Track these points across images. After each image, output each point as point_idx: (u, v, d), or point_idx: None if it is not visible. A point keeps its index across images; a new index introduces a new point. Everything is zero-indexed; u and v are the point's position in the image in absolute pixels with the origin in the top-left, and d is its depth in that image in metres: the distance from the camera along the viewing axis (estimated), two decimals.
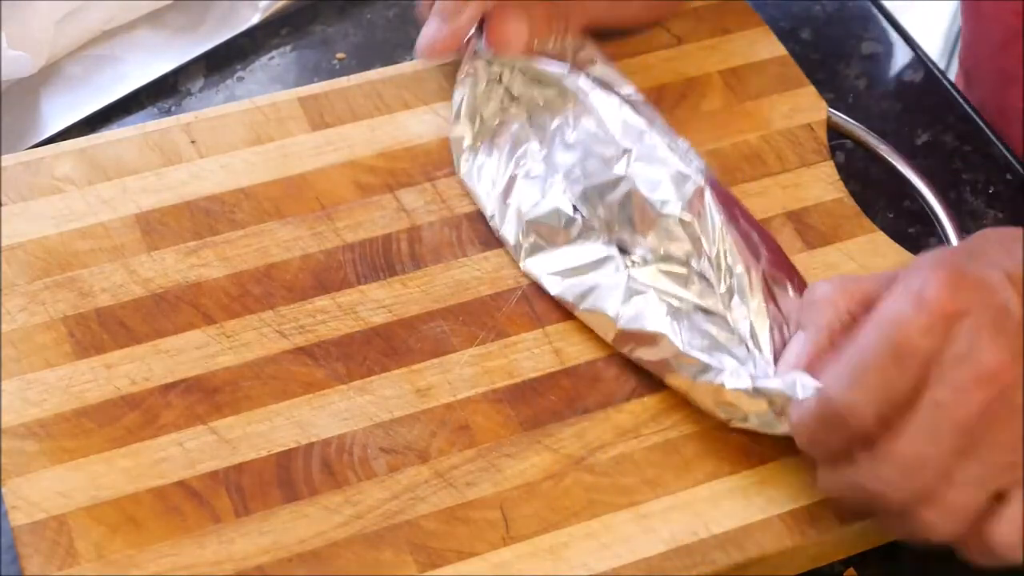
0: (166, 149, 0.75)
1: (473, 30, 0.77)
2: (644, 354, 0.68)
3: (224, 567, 0.62)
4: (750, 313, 0.68)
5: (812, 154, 0.78)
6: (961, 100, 0.85)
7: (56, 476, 0.64)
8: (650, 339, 0.67)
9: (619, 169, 0.71)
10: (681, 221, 0.69)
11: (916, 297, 0.60)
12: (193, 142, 0.75)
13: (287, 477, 0.64)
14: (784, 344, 0.67)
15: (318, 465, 0.65)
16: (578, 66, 0.77)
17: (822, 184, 0.77)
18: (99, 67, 0.83)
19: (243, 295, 0.70)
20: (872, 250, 0.74)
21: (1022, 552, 0.61)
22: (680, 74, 0.80)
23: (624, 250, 0.71)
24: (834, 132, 0.80)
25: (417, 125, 0.77)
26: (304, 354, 0.68)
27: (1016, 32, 0.88)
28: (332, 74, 0.84)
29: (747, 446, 0.66)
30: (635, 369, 0.69)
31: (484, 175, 0.75)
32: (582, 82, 0.75)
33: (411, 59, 0.82)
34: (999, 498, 0.60)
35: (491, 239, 0.73)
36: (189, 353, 0.68)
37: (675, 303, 0.68)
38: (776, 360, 0.67)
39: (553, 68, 0.76)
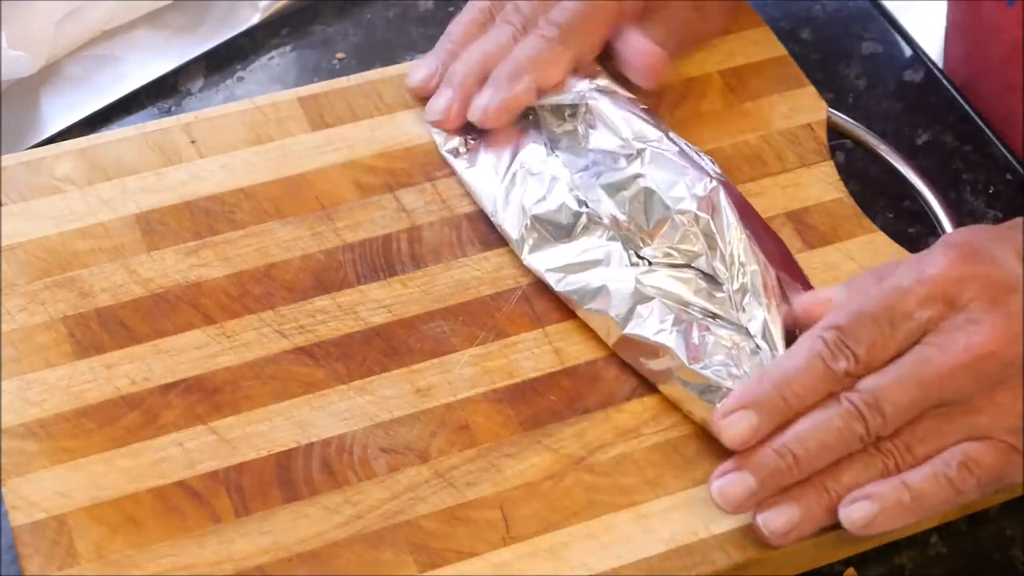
0: (166, 149, 0.75)
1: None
2: (644, 363, 0.68)
3: (224, 567, 0.62)
4: (764, 310, 0.68)
5: (812, 154, 0.78)
6: (961, 100, 0.85)
7: (56, 476, 0.64)
8: (652, 350, 0.68)
9: (634, 168, 0.71)
10: (696, 218, 0.69)
11: (920, 271, 0.65)
12: (193, 142, 0.75)
13: (287, 477, 0.64)
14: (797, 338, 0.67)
15: (318, 465, 0.65)
16: (584, 77, 0.77)
17: (822, 184, 0.77)
18: (99, 67, 0.83)
19: (243, 295, 0.70)
20: (872, 250, 0.74)
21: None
22: (680, 74, 0.80)
23: (631, 248, 0.71)
24: (834, 132, 0.80)
25: (417, 125, 0.77)
26: (304, 354, 0.68)
27: (1017, 43, 0.88)
28: (332, 74, 0.84)
29: None
30: (635, 369, 0.69)
31: (485, 170, 0.74)
32: (589, 91, 0.75)
33: (411, 59, 0.82)
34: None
35: (491, 239, 0.73)
36: (189, 353, 0.68)
37: (682, 310, 0.68)
38: None
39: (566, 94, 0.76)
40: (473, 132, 0.76)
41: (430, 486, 0.65)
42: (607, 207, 0.71)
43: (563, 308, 0.71)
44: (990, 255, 0.65)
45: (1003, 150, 0.83)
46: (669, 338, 0.67)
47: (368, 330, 0.69)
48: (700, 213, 0.69)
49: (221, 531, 0.63)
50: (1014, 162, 0.82)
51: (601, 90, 0.75)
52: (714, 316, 0.68)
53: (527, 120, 0.76)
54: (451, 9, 0.87)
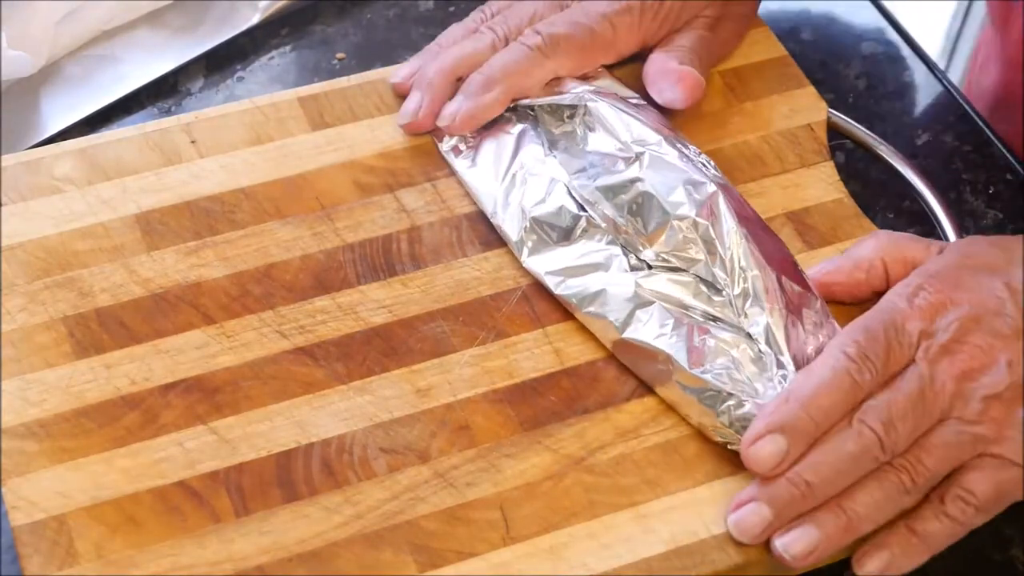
0: (166, 149, 0.75)
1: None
2: (643, 366, 0.68)
3: (224, 567, 0.62)
4: (766, 315, 0.67)
5: (812, 154, 0.78)
6: (961, 100, 0.85)
7: (56, 476, 0.64)
8: (651, 355, 0.68)
9: (632, 171, 0.71)
10: (695, 224, 0.69)
11: (910, 298, 0.66)
12: (193, 142, 0.75)
13: (287, 477, 0.64)
14: (799, 343, 0.67)
15: (318, 465, 0.65)
16: (583, 79, 0.77)
17: (822, 184, 0.77)
18: (99, 67, 0.83)
19: (243, 295, 0.70)
20: None
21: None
22: None
23: (630, 252, 0.70)
24: (834, 132, 0.80)
25: None
26: (304, 354, 0.68)
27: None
28: (332, 74, 0.84)
29: None
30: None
31: (485, 170, 0.74)
32: (588, 93, 0.75)
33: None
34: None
35: (491, 239, 0.73)
36: (189, 353, 0.68)
37: (683, 314, 0.68)
38: (795, 358, 0.66)
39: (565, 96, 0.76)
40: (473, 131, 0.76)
41: (430, 486, 0.65)
42: (605, 210, 0.71)
43: (563, 308, 0.71)
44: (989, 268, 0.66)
45: (1003, 150, 0.83)
46: (669, 343, 0.67)
47: (368, 330, 0.69)
48: (699, 219, 0.69)
49: (221, 531, 0.63)
50: (1014, 162, 0.82)
51: (600, 92, 0.75)
52: (715, 319, 0.68)
53: (529, 119, 0.76)
54: (451, 9, 0.87)
